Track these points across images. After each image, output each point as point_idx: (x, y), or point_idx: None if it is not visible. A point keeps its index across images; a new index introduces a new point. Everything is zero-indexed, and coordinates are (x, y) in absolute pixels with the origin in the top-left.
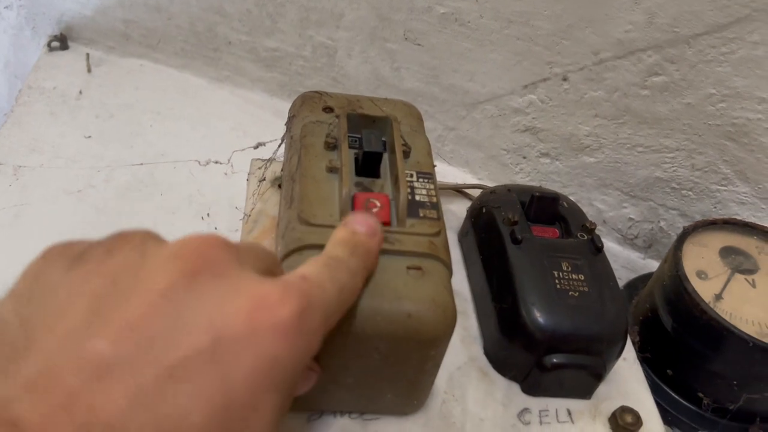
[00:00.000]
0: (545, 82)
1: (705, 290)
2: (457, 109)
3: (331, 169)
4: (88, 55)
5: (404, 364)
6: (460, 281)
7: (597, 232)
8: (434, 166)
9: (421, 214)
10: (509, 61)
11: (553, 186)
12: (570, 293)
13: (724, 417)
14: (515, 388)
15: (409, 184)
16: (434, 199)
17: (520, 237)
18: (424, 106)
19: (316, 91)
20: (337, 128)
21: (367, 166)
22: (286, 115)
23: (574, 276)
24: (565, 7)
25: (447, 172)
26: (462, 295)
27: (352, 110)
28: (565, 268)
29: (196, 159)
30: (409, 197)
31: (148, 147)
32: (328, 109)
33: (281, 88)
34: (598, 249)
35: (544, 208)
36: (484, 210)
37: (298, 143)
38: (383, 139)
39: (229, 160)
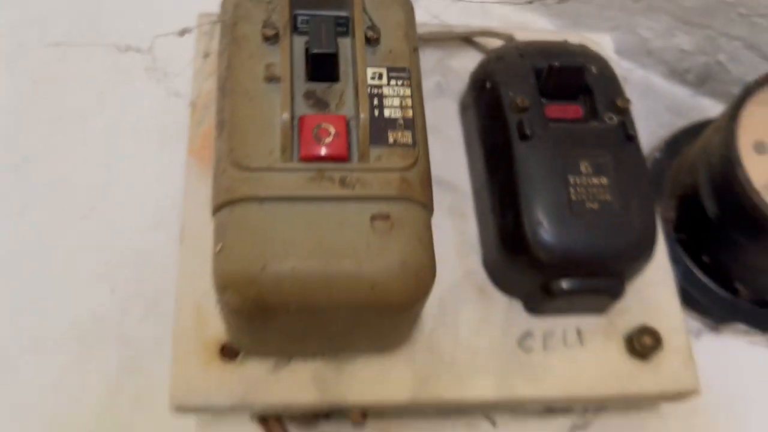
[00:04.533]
0: None
1: (762, 171)
2: None
3: (271, 78)
4: None
5: (374, 327)
6: (458, 168)
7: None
8: (416, 49)
9: (391, 139)
10: None
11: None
12: (588, 205)
13: (762, 308)
14: (517, 306)
15: (375, 91)
16: (409, 113)
17: (530, 132)
18: None
19: None
20: (276, 10)
21: (319, 68)
22: None
23: (594, 180)
24: None
25: None
26: (460, 189)
27: None
28: (584, 170)
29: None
30: (377, 112)
31: None
32: None
33: None
34: (629, 137)
35: (565, 81)
36: (488, 84)
37: (229, 34)
38: (344, 15)
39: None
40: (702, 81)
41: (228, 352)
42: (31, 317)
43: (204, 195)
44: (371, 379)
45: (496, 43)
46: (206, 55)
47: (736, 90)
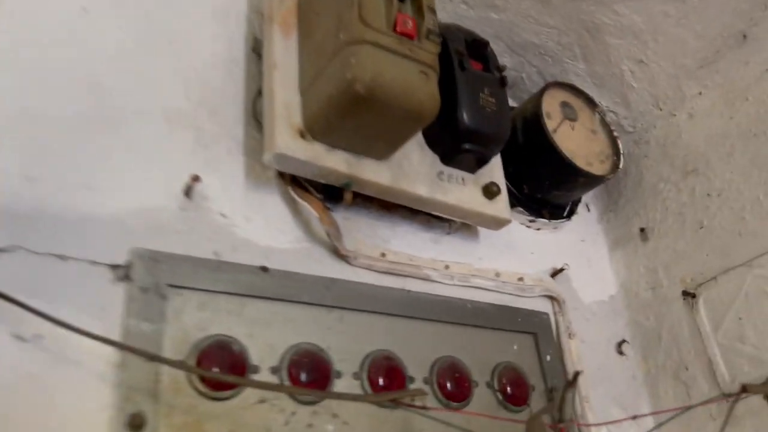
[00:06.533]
0: None
1: (550, 123)
2: None
3: None
4: None
5: (399, 130)
6: None
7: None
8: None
9: (431, 38)
10: None
11: (465, 25)
12: (486, 108)
13: (532, 201)
14: (437, 159)
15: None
16: (437, 29)
17: (465, 66)
18: None
19: None
20: None
21: None
22: None
23: (490, 99)
24: None
25: None
26: None
27: None
28: (485, 92)
29: None
30: (426, 24)
31: None
32: None
33: None
34: (504, 84)
35: (478, 48)
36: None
37: None
38: None
39: None
40: (510, 86)
41: (303, 134)
42: (139, 97)
43: (282, 46)
44: (372, 168)
45: None
46: None
47: (527, 95)
